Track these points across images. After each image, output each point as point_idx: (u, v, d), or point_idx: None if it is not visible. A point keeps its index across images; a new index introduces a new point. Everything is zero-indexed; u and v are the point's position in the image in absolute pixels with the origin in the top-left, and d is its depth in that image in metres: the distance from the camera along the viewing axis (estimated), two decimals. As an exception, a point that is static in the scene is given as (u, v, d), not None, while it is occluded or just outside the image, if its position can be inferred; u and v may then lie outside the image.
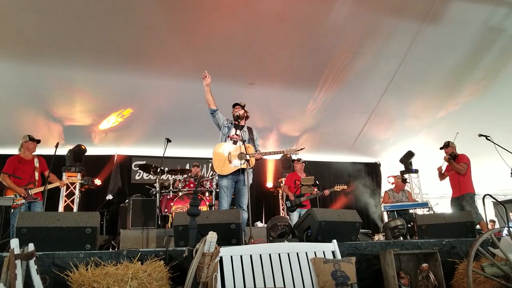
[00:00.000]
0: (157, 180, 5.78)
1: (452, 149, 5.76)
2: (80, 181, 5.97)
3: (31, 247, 2.06)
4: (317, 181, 5.63)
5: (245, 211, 4.01)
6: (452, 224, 3.98)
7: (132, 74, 6.22)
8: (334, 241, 3.02)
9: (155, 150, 7.41)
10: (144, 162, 7.54)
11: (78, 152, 6.70)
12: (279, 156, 8.11)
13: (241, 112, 4.32)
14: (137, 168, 7.61)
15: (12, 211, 4.50)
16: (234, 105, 4.39)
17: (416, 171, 8.37)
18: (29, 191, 4.62)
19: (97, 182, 7.18)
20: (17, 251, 1.93)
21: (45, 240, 2.56)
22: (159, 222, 5.39)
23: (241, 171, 4.05)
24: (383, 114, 7.93)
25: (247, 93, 6.62)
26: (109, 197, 6.81)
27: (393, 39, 6.18)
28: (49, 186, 5.33)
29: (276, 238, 3.58)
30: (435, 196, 9.19)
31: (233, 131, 4.27)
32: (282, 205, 8.20)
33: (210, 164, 6.86)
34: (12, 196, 4.22)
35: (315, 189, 5.78)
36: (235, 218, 3.09)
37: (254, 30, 5.68)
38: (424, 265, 2.95)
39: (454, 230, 3.88)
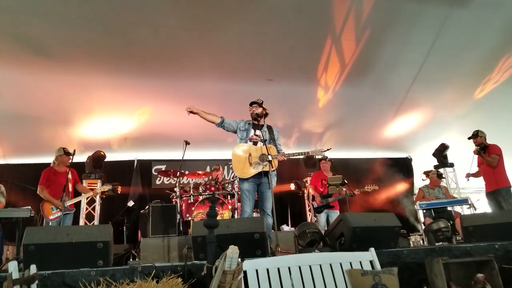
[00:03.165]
0: (177, 184, 5.59)
1: (482, 139, 5.42)
2: (109, 192, 5.86)
3: (33, 269, 1.85)
4: (345, 180, 5.25)
5: (269, 216, 3.74)
6: (503, 224, 3.51)
7: (149, 76, 6.06)
8: (372, 249, 2.68)
9: (174, 154, 7.25)
10: (164, 167, 7.43)
11: (97, 159, 6.63)
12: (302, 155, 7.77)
13: (259, 110, 4.01)
14: (157, 173, 7.50)
15: (50, 224, 4.56)
16: (251, 104, 4.08)
17: (451, 165, 7.78)
18: (65, 203, 4.63)
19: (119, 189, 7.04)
20: (15, 275, 1.72)
21: (55, 257, 2.36)
22: (181, 228, 5.19)
23: (263, 173, 3.77)
24: (412, 106, 7.42)
25: (266, 90, 6.31)
26: (130, 203, 6.68)
27: (419, 25, 5.70)
28: (82, 197, 5.54)
29: (305, 247, 3.27)
30: (472, 191, 8.52)
31: (252, 132, 3.99)
32: (308, 206, 7.85)
33: (231, 165, 6.63)
34: (29, 207, 4.14)
35: (344, 189, 5.41)
36: (259, 226, 2.78)
37: (269, 22, 5.36)
38: (480, 275, 2.55)
39: (507, 232, 3.41)
